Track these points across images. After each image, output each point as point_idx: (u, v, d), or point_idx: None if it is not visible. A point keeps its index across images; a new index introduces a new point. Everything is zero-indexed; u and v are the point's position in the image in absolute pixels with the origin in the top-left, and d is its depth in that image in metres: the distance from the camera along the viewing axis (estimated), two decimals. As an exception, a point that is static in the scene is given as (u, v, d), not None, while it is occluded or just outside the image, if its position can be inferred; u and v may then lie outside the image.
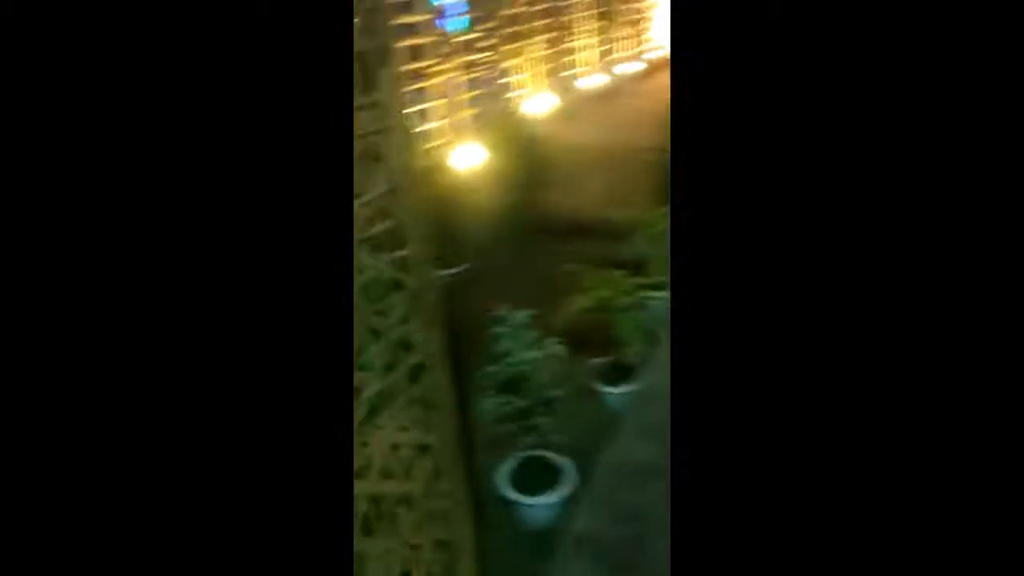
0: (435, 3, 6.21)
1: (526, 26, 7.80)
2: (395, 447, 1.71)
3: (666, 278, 3.21)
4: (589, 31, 9.53)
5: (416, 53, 5.93)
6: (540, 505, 2.90)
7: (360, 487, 1.60)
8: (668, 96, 1.26)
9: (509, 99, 7.80)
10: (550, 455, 3.04)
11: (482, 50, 7.06)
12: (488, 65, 7.21)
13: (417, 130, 5.54)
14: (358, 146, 1.53)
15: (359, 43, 1.49)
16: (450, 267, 4.84)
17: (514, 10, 7.65)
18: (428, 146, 5.47)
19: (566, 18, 8.83)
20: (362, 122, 1.56)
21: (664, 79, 8.33)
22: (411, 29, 5.77)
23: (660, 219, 3.86)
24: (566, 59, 9.16)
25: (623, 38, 11.17)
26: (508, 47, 7.51)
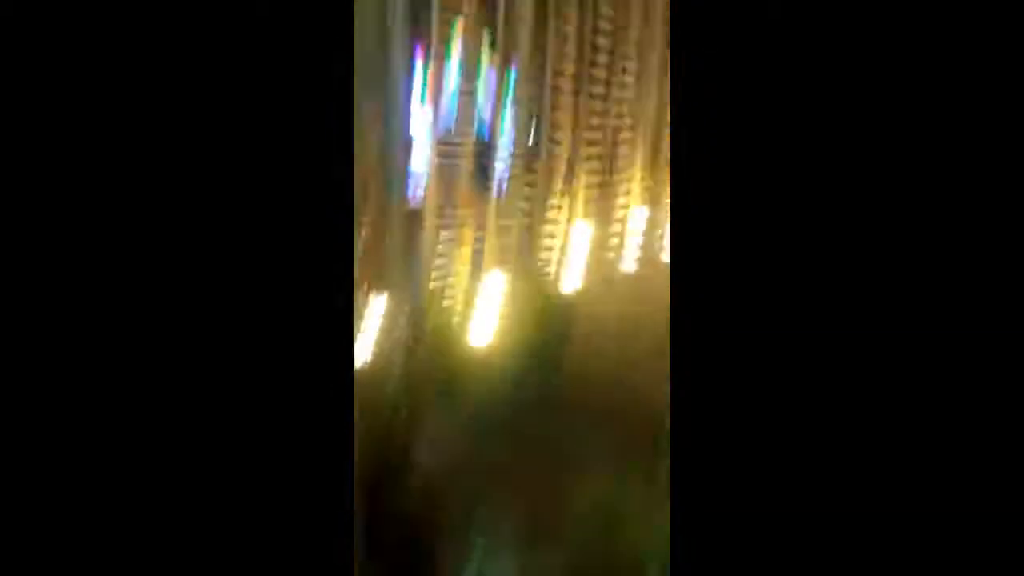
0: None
1: (566, 198, 7.93)
2: None
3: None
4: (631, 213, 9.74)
5: (446, 214, 5.91)
6: None
7: None
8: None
9: (540, 269, 7.74)
10: None
11: (516, 215, 7.09)
12: (521, 231, 7.21)
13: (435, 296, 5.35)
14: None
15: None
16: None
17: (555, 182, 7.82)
18: (443, 310, 5.24)
19: (609, 201, 9.04)
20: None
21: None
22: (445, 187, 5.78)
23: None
24: (606, 238, 9.26)
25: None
26: (546, 215, 7.57)
